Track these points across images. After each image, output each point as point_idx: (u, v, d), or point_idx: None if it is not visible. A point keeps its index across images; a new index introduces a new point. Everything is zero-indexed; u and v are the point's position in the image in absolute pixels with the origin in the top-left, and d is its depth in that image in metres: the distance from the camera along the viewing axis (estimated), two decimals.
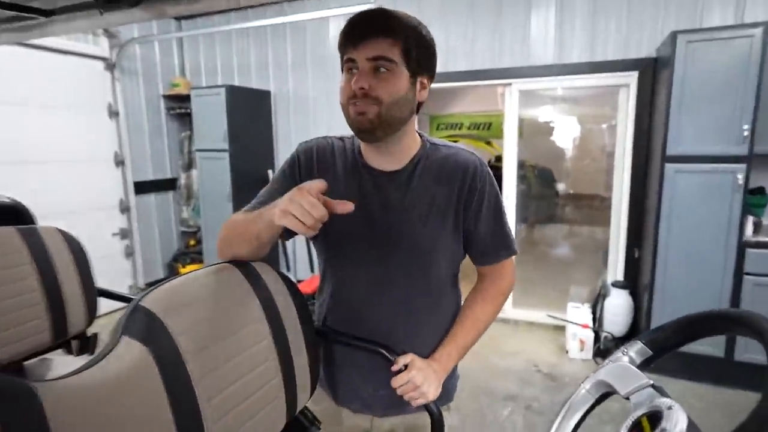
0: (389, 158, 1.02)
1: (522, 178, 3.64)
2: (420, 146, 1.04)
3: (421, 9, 3.50)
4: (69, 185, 3.65)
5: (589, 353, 3.03)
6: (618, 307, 3.10)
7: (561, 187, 6.06)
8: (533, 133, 5.78)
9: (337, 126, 0.94)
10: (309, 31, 3.96)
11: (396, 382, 1.01)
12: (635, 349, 0.65)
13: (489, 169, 1.04)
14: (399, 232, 1.01)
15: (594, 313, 3.26)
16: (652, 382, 0.59)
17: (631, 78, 3.10)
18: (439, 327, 1.09)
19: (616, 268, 3.36)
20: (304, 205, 0.78)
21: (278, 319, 0.98)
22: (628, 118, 3.18)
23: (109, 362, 0.69)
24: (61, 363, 1.39)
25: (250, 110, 4.00)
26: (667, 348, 0.64)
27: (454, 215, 1.02)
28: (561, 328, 3.37)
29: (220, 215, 3.94)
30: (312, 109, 4.07)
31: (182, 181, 4.51)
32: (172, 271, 4.44)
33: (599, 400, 0.65)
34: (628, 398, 0.59)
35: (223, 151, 3.86)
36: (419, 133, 1.06)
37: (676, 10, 2.93)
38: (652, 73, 3.00)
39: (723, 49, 2.45)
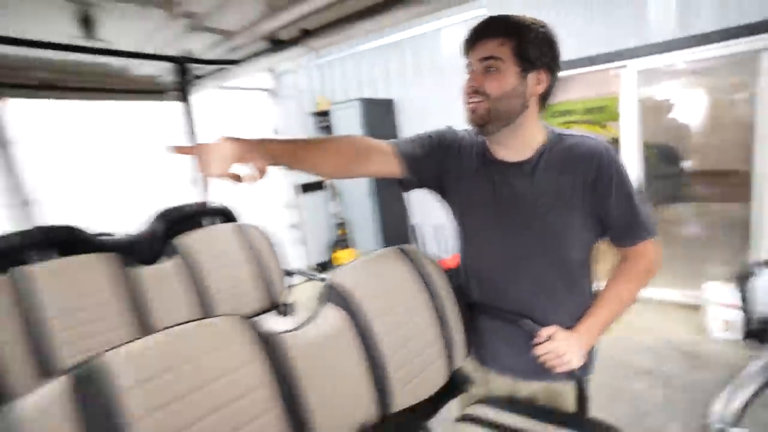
0: (513, 150, 1.00)
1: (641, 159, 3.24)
2: (545, 138, 1.01)
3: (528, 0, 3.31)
4: (253, 190, 4.20)
5: (734, 334, 2.60)
6: None
7: (687, 164, 5.23)
8: (651, 111, 5.08)
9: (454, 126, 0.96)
10: (425, 42, 4.00)
11: (539, 350, 1.01)
12: None
13: (615, 154, 0.97)
14: (528, 220, 0.99)
15: (742, 292, 2.79)
16: None
17: None
18: (575, 307, 1.05)
19: (761, 246, 2.82)
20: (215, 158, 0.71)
21: (437, 295, 1.04)
22: None
23: (319, 322, 0.81)
24: (273, 322, 1.63)
25: (379, 117, 4.20)
26: None
27: (582, 202, 0.97)
28: (695, 308, 2.95)
29: (360, 209, 4.22)
30: (432, 113, 4.11)
31: (327, 181, 4.90)
32: (330, 255, 4.88)
33: None
34: None
35: None
36: (545, 125, 1.03)
37: None
38: None
39: None
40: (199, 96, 1.85)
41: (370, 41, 4.04)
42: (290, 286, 1.73)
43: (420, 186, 1.10)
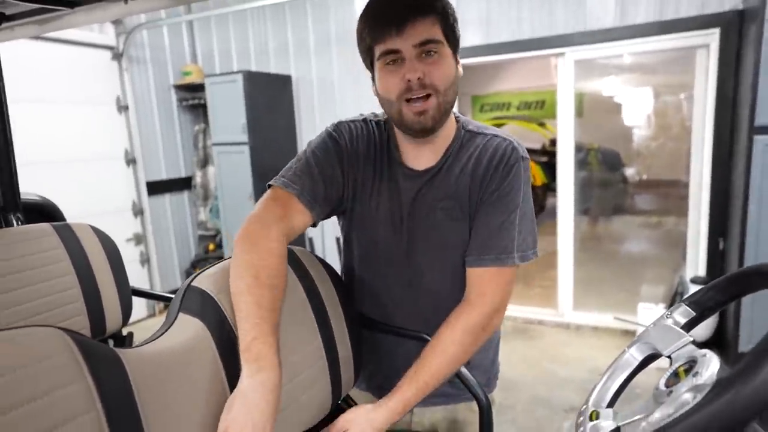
0: (427, 152, 1.09)
1: (582, 163, 3.70)
2: (455, 134, 1.10)
3: None
4: (78, 187, 3.95)
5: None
6: None
7: (630, 172, 6.03)
8: (595, 110, 5.78)
9: (365, 110, 1.04)
10: (332, 6, 4.15)
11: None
12: (679, 311, 0.77)
13: (524, 160, 1.06)
14: (428, 231, 1.10)
15: None
16: (693, 338, 0.71)
17: (712, 37, 3.10)
18: None
19: (696, 263, 3.37)
20: None
21: (321, 306, 1.13)
22: (708, 85, 3.18)
23: (171, 335, 0.87)
24: None
25: (270, 98, 4.22)
26: (711, 308, 0.75)
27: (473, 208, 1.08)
28: (631, 333, 3.42)
29: (241, 216, 4.15)
30: (338, 93, 4.27)
31: (198, 179, 4.79)
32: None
33: (643, 363, 0.77)
34: (670, 357, 0.72)
35: (242, 144, 4.08)
36: (456, 116, 1.13)
37: None
38: (738, 30, 2.99)
39: None
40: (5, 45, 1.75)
41: (262, 0, 4.06)
42: (129, 321, 1.68)
43: (328, 217, 1.16)
